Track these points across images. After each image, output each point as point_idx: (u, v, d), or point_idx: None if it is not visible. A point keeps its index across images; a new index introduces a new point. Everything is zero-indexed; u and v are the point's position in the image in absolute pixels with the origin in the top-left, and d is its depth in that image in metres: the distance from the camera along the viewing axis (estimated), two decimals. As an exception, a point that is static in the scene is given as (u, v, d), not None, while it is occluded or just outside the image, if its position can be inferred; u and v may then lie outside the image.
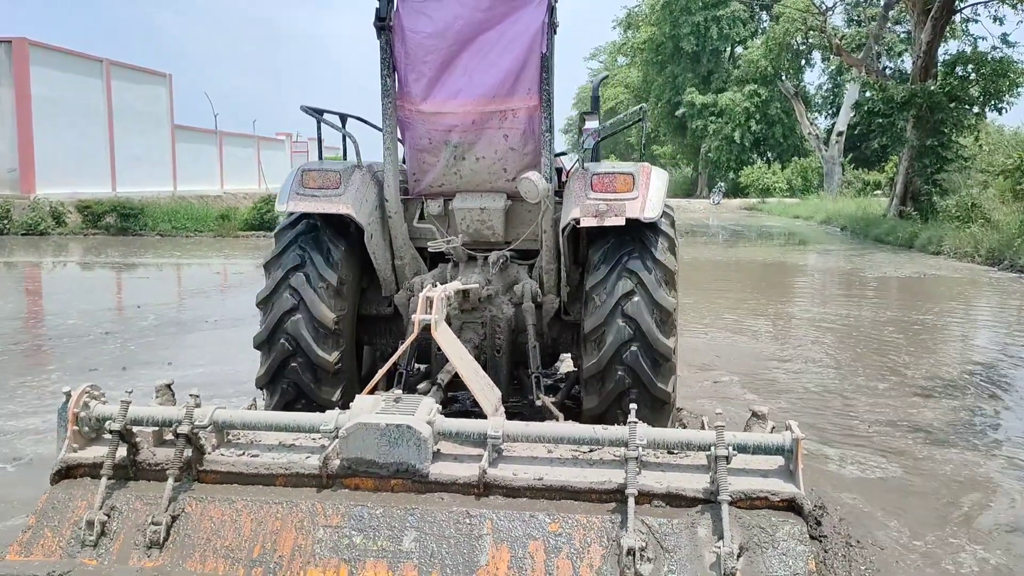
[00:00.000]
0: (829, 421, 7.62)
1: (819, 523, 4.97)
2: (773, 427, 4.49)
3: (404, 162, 6.44)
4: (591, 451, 4.52)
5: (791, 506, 4.04)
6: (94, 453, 4.47)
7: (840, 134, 50.79)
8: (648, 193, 5.61)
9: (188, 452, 4.34)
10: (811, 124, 55.08)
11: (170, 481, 4.23)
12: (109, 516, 4.20)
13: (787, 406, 8.09)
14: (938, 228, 27.11)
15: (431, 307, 4.94)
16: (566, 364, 8.22)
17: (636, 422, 4.21)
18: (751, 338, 11.83)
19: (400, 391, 4.82)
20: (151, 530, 4.11)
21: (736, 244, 30.12)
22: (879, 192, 49.34)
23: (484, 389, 4.97)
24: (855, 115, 47.69)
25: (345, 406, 4.61)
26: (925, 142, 30.94)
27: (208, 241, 30.48)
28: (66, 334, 11.64)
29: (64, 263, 23.53)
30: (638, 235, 5.68)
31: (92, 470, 4.39)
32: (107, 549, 4.14)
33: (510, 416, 5.28)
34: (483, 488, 4.21)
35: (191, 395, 4.45)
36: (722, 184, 66.07)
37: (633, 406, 4.30)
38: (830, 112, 65.72)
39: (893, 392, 8.68)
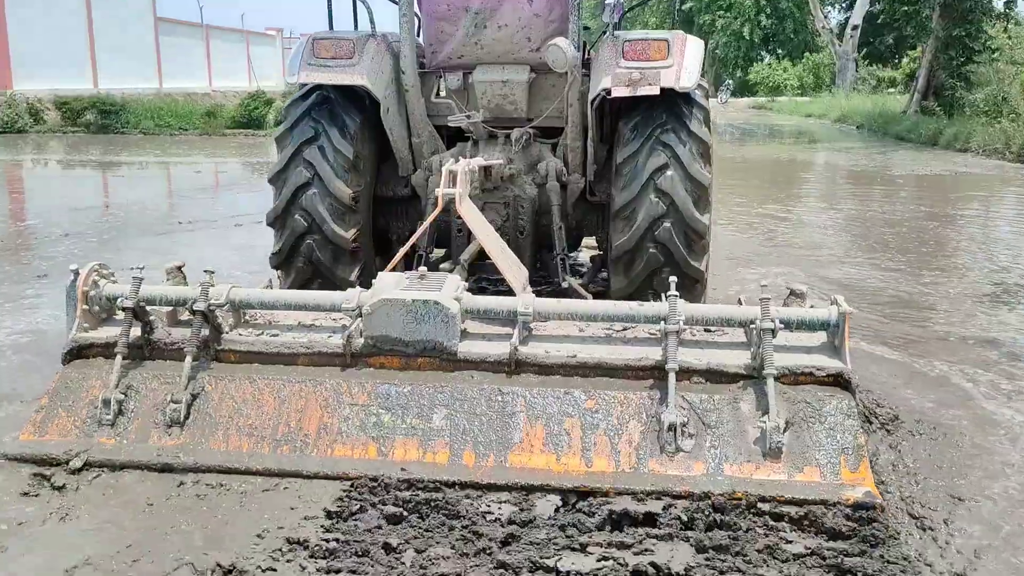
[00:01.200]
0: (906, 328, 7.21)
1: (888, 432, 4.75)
2: (812, 306, 4.45)
3: (420, 33, 6.21)
4: (625, 329, 4.51)
5: (837, 381, 4.02)
6: (107, 333, 4.43)
7: (855, 27, 49.39)
8: (684, 61, 5.40)
9: (205, 331, 4.30)
10: (824, 17, 53.58)
11: (188, 359, 4.20)
12: (126, 395, 4.19)
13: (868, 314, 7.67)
14: (964, 124, 26.48)
15: (454, 181, 4.82)
16: (582, 256, 8.16)
17: (676, 295, 4.17)
18: (786, 236, 11.51)
19: (424, 269, 4.75)
20: (171, 408, 4.10)
21: (747, 143, 29.74)
22: (893, 89, 48.38)
23: (512, 267, 4.89)
24: (873, 5, 46.33)
25: (365, 285, 4.54)
26: (952, 32, 30.10)
27: (193, 140, 29.95)
28: (20, 235, 11.15)
29: (38, 161, 23.14)
30: (671, 107, 5.50)
31: (105, 350, 4.36)
32: (125, 428, 4.14)
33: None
34: (514, 366, 4.18)
35: (206, 271, 4.39)
36: (729, 82, 64.69)
37: (673, 279, 4.25)
38: (844, 4, 63.94)
39: (967, 298, 8.06)
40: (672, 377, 3.98)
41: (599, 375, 4.17)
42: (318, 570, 3.27)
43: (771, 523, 3.54)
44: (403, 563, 3.29)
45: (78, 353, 4.41)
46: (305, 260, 5.69)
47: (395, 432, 4.05)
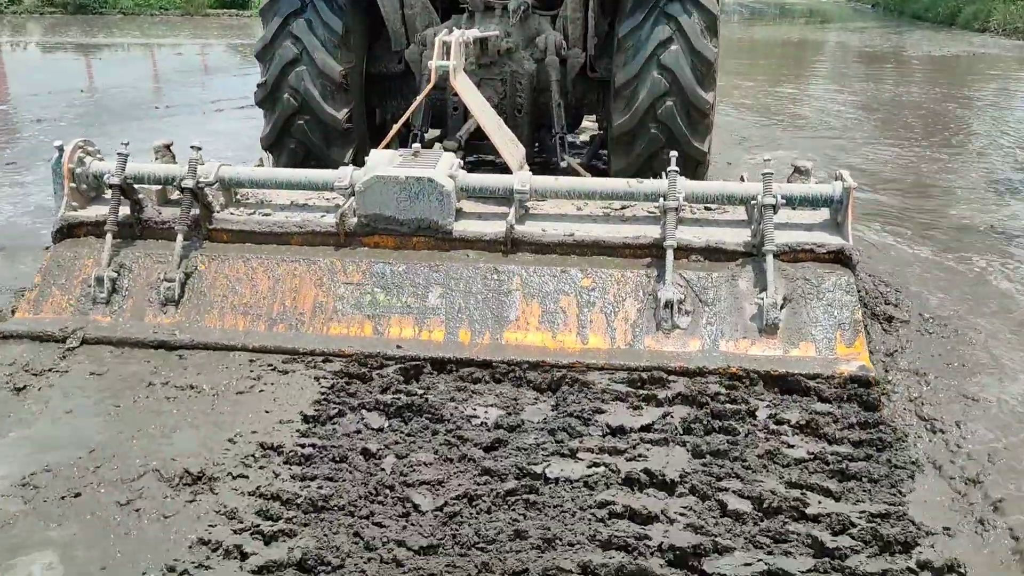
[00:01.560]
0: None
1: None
2: (817, 182, 4.40)
3: None
4: (623, 207, 4.50)
5: (838, 258, 4.04)
6: (96, 212, 4.43)
7: None
8: None
9: (195, 209, 4.30)
10: None
11: (179, 238, 4.21)
12: (119, 273, 4.22)
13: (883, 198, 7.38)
14: (985, 2, 25.85)
15: (448, 53, 4.69)
16: (581, 138, 8.04)
17: (676, 170, 4.13)
18: (798, 119, 11.22)
19: (418, 147, 4.68)
20: (165, 287, 4.14)
21: (756, 23, 28.93)
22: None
23: (508, 144, 4.83)
24: None
25: (359, 164, 4.48)
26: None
27: (174, 20, 29.08)
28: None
29: (15, 44, 22.45)
30: None
31: (95, 228, 4.37)
32: (120, 307, 4.18)
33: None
34: (510, 244, 4.19)
35: (192, 146, 4.33)
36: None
37: (674, 154, 4.20)
38: None
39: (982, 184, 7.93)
40: (670, 254, 4.00)
41: (596, 253, 4.18)
42: (292, 477, 3.12)
43: (772, 427, 3.42)
44: (383, 469, 3.14)
45: (68, 232, 4.43)
46: (297, 142, 5.64)
47: (391, 311, 4.08)
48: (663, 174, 4.24)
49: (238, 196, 4.62)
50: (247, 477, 3.12)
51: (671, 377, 3.74)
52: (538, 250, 4.21)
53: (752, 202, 4.10)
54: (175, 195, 4.46)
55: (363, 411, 3.56)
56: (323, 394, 3.68)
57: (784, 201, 4.03)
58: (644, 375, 3.74)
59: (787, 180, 4.52)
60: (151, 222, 4.37)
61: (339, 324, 4.08)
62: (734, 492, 3.01)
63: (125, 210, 4.35)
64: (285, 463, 3.20)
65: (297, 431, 3.43)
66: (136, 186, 4.37)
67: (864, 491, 3.03)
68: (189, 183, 4.21)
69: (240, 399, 3.66)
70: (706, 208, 4.45)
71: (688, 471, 3.12)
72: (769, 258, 3.93)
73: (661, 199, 4.09)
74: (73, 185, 4.43)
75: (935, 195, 7.47)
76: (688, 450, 3.28)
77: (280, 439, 3.36)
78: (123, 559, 2.67)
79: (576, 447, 3.30)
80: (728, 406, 3.54)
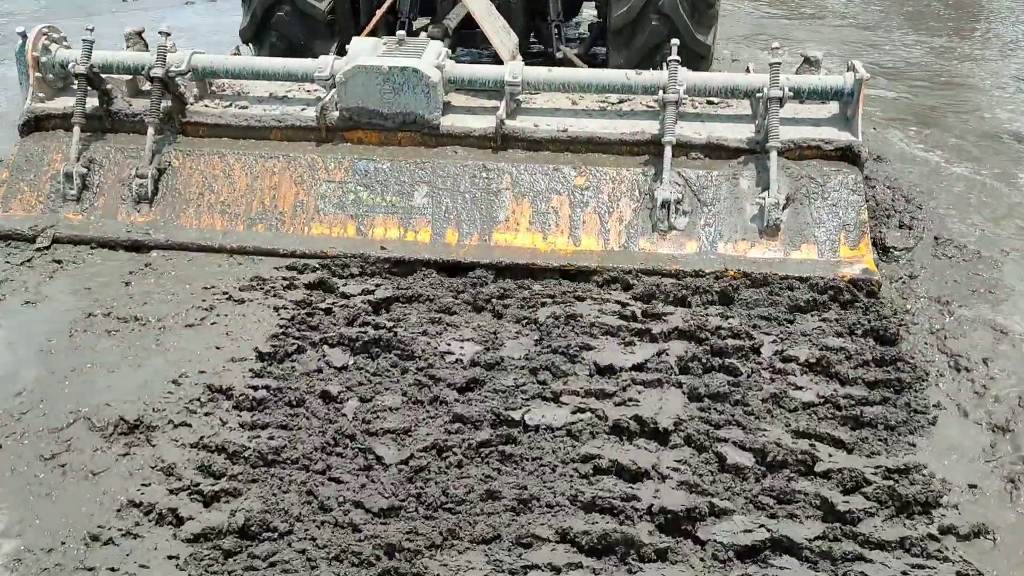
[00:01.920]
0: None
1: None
2: (827, 72, 3.91)
3: None
4: (621, 101, 3.98)
5: (845, 155, 3.59)
6: (64, 103, 3.91)
7: None
8: None
9: (167, 102, 3.80)
10: None
11: (150, 131, 3.73)
12: (88, 169, 3.77)
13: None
14: None
15: (435, -69, 4.35)
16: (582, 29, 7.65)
17: (677, 60, 3.64)
18: (825, 10, 9.99)
19: (403, 34, 4.41)
20: (137, 183, 3.70)
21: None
22: None
23: (499, 32, 4.33)
24: None
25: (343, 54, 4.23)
26: None
27: None
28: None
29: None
30: None
31: (64, 121, 3.87)
32: (91, 204, 3.75)
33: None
34: (500, 141, 3.74)
35: (161, 31, 3.76)
36: None
37: (675, 41, 3.65)
38: None
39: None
40: (668, 151, 3.55)
41: (591, 150, 3.75)
42: (241, 425, 2.65)
43: (779, 366, 2.98)
44: (343, 415, 2.69)
45: (36, 125, 3.95)
46: (277, 35, 5.08)
47: (375, 210, 3.67)
48: (662, 65, 3.78)
49: (213, 87, 4.08)
50: (190, 425, 2.66)
51: (667, 309, 3.25)
52: (530, 147, 3.76)
53: (757, 95, 3.62)
54: (147, 86, 3.92)
55: (325, 347, 3.04)
56: (282, 327, 3.16)
57: (791, 94, 3.55)
58: (637, 308, 3.26)
59: (796, 71, 4.27)
60: (121, 114, 3.88)
61: (321, 224, 3.67)
62: (734, 443, 2.56)
63: (94, 101, 3.85)
64: (234, 408, 2.74)
65: (250, 371, 2.93)
66: (105, 76, 3.84)
67: (880, 441, 2.60)
68: (158, 72, 3.70)
69: (189, 333, 3.14)
70: (708, 102, 3.94)
71: (683, 418, 2.66)
72: (773, 155, 3.49)
73: (660, 92, 3.61)
74: (39, 75, 3.90)
75: (966, 96, 6.61)
76: (684, 392, 2.81)
77: (230, 380, 2.86)
78: (40, 526, 2.22)
79: (560, 390, 2.81)
80: (730, 341, 3.05)
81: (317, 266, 3.60)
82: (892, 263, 3.76)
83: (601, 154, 3.77)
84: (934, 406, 2.79)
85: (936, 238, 3.89)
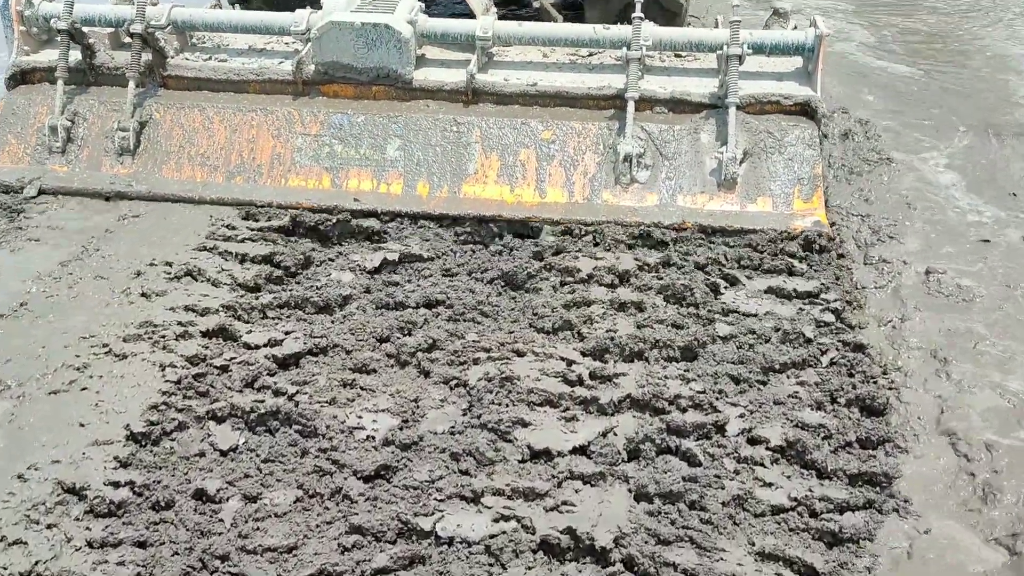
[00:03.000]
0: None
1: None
2: (796, 26, 4.01)
3: None
4: (591, 55, 4.10)
5: (804, 110, 3.73)
6: (49, 57, 4.05)
7: None
8: None
9: (148, 55, 3.95)
10: None
11: (131, 85, 3.87)
12: (73, 122, 3.93)
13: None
14: None
15: None
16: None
17: (642, 18, 3.74)
18: None
19: None
20: (119, 136, 3.85)
21: None
22: None
23: None
24: None
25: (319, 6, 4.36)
26: None
27: None
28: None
29: None
30: None
31: (50, 74, 4.01)
32: (76, 156, 3.91)
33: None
34: (471, 95, 3.87)
35: None
36: None
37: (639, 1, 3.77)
38: None
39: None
40: (631, 106, 3.68)
41: (559, 104, 3.87)
42: (89, 544, 2.21)
43: (745, 453, 2.56)
44: (219, 521, 2.28)
45: (22, 78, 4.09)
46: None
47: (349, 163, 3.82)
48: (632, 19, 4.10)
49: (194, 40, 4.20)
50: (25, 544, 2.16)
51: (620, 368, 2.86)
52: (500, 100, 3.89)
53: (720, 51, 3.75)
54: (128, 39, 4.07)
55: (211, 422, 2.60)
56: (165, 393, 2.69)
57: (751, 51, 3.69)
58: (585, 368, 2.91)
59: (765, 25, 4.39)
60: (104, 68, 4.02)
61: (297, 176, 3.82)
62: (684, 572, 2.15)
63: (77, 55, 3.99)
64: (87, 514, 2.28)
65: (115, 459, 2.44)
66: (87, 30, 3.99)
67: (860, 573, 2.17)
68: (137, 28, 3.82)
69: (53, 403, 2.63)
70: (676, 55, 4.06)
71: (626, 531, 2.23)
72: (731, 111, 3.61)
73: (625, 48, 3.79)
74: (23, 28, 4.03)
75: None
76: (631, 490, 2.38)
77: (87, 474, 2.36)
78: None
79: (482, 487, 2.37)
80: (690, 416, 2.65)
81: (219, 309, 3.19)
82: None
83: (569, 108, 3.92)
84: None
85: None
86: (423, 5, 4.13)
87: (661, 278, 3.34)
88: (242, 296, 3.25)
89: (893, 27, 6.87)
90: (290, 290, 3.33)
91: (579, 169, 3.77)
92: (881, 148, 4.59)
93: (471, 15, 4.41)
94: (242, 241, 3.59)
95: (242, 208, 3.77)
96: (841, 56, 5.95)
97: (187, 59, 4.14)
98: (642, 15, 3.76)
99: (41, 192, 3.87)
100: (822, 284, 3.32)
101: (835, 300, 3.24)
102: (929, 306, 3.36)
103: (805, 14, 5.11)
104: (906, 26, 6.91)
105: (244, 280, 3.35)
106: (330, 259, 3.57)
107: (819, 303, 3.24)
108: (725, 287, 3.33)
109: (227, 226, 3.67)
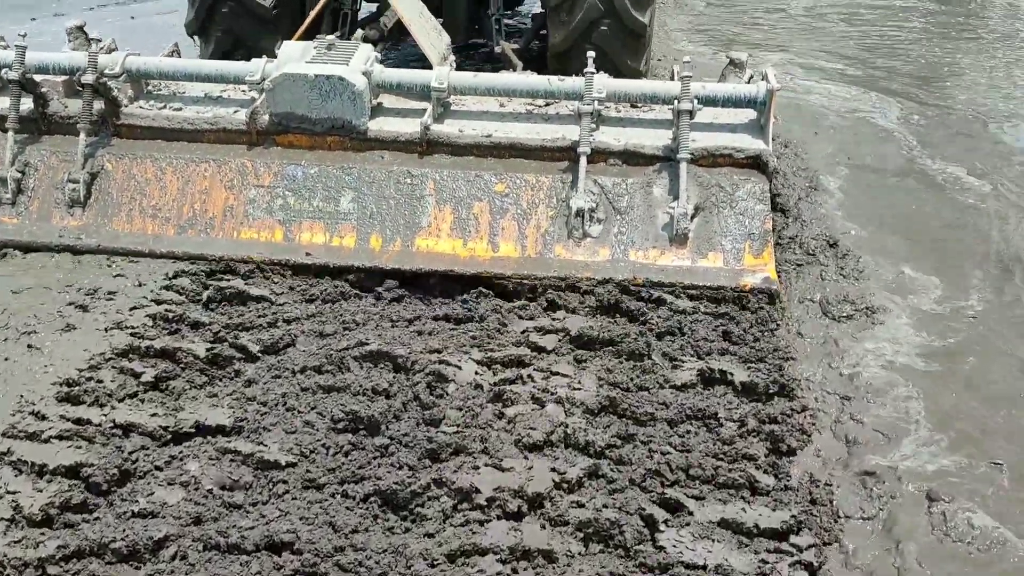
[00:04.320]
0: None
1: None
2: (751, 76, 4.07)
3: None
4: (548, 104, 4.14)
5: (756, 163, 3.77)
6: (2, 104, 4.06)
7: None
8: None
9: (99, 104, 3.96)
10: None
11: (83, 135, 3.87)
12: (23, 173, 3.93)
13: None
14: None
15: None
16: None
17: (593, 72, 3.77)
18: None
19: (336, 36, 4.55)
20: (69, 188, 3.84)
21: None
22: None
23: (430, 33, 4.50)
24: None
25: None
26: None
27: None
28: None
29: None
30: None
31: (2, 123, 4.02)
32: (26, 208, 3.90)
33: (467, 66, 5.06)
34: (426, 146, 3.90)
35: (92, 39, 3.92)
36: None
37: (591, 54, 3.82)
38: None
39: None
40: (583, 161, 3.72)
41: (514, 155, 3.91)
42: None
43: None
44: None
45: None
46: (222, 30, 5.18)
47: (302, 215, 3.84)
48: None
49: (149, 87, 4.22)
50: None
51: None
52: (455, 151, 3.92)
53: (671, 106, 3.79)
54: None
55: None
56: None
57: (701, 107, 3.74)
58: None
59: (720, 75, 4.44)
60: (57, 117, 4.02)
61: (249, 229, 3.83)
62: None
63: (28, 103, 4.00)
64: None
65: None
66: (39, 78, 3.99)
67: None
68: (88, 78, 3.83)
69: None
70: (632, 106, 4.13)
71: None
72: (683, 166, 3.65)
73: (577, 102, 3.81)
74: None
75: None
76: None
77: None
78: None
79: None
80: None
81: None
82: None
83: (523, 159, 3.96)
84: None
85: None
86: (379, 55, 4.16)
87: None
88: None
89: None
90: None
91: (532, 223, 3.81)
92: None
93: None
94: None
95: (194, 263, 3.75)
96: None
97: (141, 107, 4.16)
98: (593, 69, 3.79)
99: None
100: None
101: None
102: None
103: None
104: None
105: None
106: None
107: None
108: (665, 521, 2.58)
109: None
